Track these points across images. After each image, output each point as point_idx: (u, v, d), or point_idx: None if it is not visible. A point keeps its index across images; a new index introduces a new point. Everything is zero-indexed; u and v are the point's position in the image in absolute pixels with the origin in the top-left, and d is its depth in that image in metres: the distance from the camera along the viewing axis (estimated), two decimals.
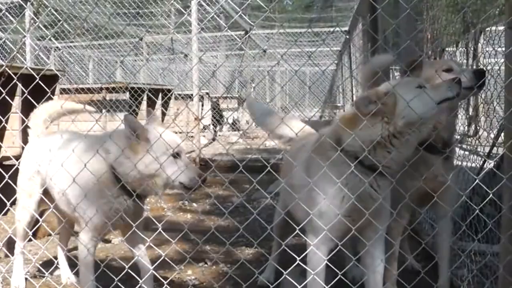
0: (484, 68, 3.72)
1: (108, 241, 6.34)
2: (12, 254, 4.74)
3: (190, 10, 12.01)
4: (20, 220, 4.51)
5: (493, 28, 6.05)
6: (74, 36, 18.24)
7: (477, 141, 5.93)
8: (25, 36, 12.28)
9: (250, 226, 5.99)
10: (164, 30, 18.97)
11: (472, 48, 11.87)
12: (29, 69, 4.36)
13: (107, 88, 12.72)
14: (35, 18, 12.41)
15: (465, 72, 3.73)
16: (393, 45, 7.03)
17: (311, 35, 20.49)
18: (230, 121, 19.35)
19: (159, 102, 14.08)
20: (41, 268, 4.91)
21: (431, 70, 3.76)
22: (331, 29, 19.45)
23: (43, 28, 15.78)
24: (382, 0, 7.30)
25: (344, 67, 20.51)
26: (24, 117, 4.58)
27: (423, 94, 3.18)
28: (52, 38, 16.90)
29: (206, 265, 5.25)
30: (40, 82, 3.94)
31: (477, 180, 3.49)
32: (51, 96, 4.23)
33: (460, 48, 11.33)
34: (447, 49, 11.15)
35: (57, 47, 19.79)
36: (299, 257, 3.30)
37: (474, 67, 11.68)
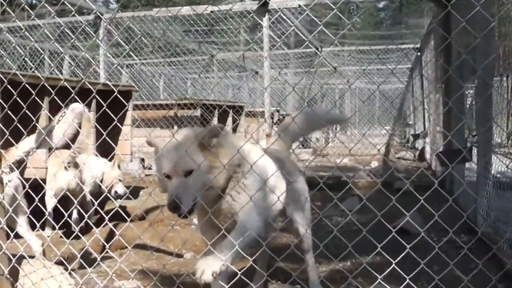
0: None
1: (180, 256, 6.40)
2: (89, 266, 4.82)
3: (262, 28, 12.07)
4: None
5: None
6: (147, 54, 18.55)
7: None
8: (103, 51, 12.52)
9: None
10: (236, 47, 19.11)
11: None
12: (110, 85, 4.45)
13: (179, 105, 12.84)
14: (112, 34, 12.65)
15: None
16: (467, 62, 6.91)
17: (382, 52, 20.37)
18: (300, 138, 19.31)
19: (230, 118, 14.14)
20: (115, 280, 4.95)
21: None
22: (402, 46, 19.32)
23: (117, 45, 16.09)
24: (456, 18, 7.23)
25: (415, 84, 20.33)
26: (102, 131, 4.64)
27: None
28: (130, 55, 17.22)
29: (279, 282, 5.20)
30: (117, 96, 4.00)
31: None
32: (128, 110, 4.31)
33: None
34: None
35: (129, 64, 20.18)
36: None
37: None
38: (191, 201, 3.41)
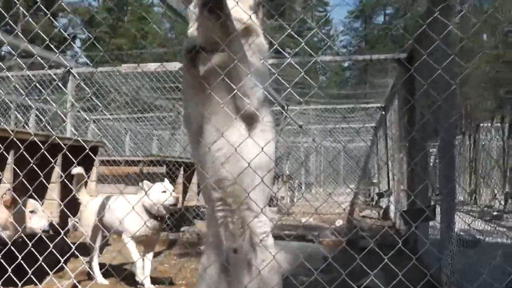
0: None
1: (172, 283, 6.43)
2: None
3: None
4: None
5: None
6: (114, 109, 18.53)
7: None
8: (71, 107, 12.51)
9: None
10: None
11: (508, 123, 11.85)
12: (80, 141, 4.45)
13: (145, 161, 12.77)
14: (80, 88, 12.65)
15: None
16: (430, 121, 7.04)
17: (347, 111, 20.58)
18: None
19: (195, 176, 14.06)
20: None
21: None
22: (367, 105, 19.56)
23: (84, 99, 16.07)
24: (418, 81, 7.38)
25: (379, 143, 20.51)
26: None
27: None
28: (98, 110, 17.19)
29: None
30: (84, 152, 4.01)
31: None
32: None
33: (496, 124, 11.28)
34: (482, 124, 11.10)
35: (96, 119, 20.12)
36: None
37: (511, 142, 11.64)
38: None
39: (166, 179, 7.46)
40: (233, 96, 3.51)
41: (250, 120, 3.65)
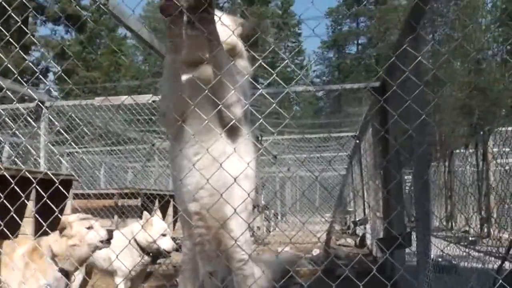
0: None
1: None
2: None
3: None
4: None
5: (503, 128, 6.12)
6: (88, 142, 18.44)
7: (496, 242, 5.91)
8: (44, 139, 12.40)
9: None
10: None
11: (481, 149, 11.96)
12: (49, 174, 4.42)
13: (119, 194, 12.64)
14: (53, 122, 12.57)
15: None
16: (403, 148, 7.08)
17: (321, 140, 20.62)
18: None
19: (171, 208, 13.96)
20: None
21: None
22: (341, 134, 19.60)
23: (58, 133, 15.97)
24: (392, 106, 7.43)
25: (354, 171, 20.54)
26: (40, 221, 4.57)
27: None
28: (71, 143, 17.09)
29: None
30: (57, 186, 3.97)
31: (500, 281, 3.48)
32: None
33: (470, 150, 11.35)
34: (456, 151, 11.14)
35: (70, 152, 19.99)
36: None
37: (485, 168, 11.73)
38: None
39: (157, 214, 7.27)
40: (215, 105, 3.45)
41: (232, 131, 3.59)
